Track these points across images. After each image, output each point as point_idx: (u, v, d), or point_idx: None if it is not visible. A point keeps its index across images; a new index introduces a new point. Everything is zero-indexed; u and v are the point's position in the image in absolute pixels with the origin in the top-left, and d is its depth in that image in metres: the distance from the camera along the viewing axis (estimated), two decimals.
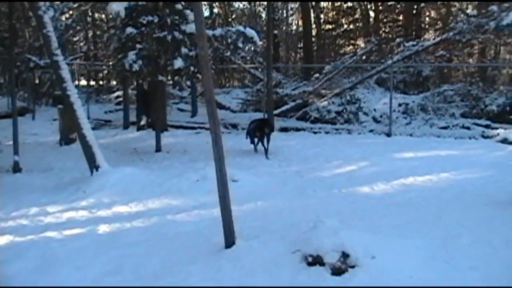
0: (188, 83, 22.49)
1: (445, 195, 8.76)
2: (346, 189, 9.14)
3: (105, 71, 34.02)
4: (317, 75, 21.38)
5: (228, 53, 12.22)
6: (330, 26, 34.62)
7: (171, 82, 12.91)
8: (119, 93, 25.70)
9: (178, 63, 11.36)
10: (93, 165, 9.24)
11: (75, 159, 11.63)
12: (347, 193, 8.88)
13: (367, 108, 19.03)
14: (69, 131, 13.60)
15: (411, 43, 20.51)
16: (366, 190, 9.13)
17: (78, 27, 32.83)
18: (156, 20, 11.58)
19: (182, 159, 12.18)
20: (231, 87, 25.07)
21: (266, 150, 12.62)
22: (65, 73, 9.09)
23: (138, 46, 11.51)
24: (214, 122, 5.61)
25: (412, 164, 11.43)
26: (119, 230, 6.80)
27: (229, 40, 11.91)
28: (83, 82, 33.39)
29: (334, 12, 35.30)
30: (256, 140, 13.02)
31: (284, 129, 17.68)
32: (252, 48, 24.02)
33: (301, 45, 38.08)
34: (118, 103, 24.79)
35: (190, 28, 11.51)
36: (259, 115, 18.79)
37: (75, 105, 9.12)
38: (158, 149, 13.07)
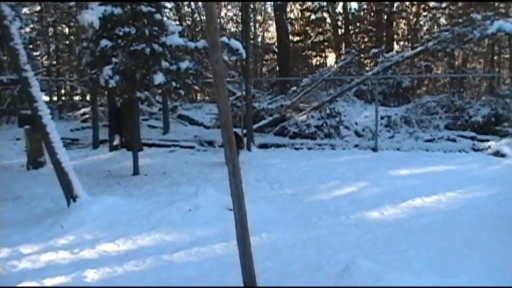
0: (158, 98, 21.73)
1: (462, 217, 8.07)
2: (354, 215, 8.27)
3: (68, 87, 32.76)
4: (294, 88, 20.51)
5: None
6: (298, 38, 33.96)
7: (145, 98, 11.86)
8: (86, 109, 24.49)
9: (159, 78, 10.36)
10: (70, 195, 8.16)
11: (46, 185, 10.56)
12: (357, 220, 8.00)
13: (348, 121, 18.31)
14: (38, 154, 12.42)
15: (390, 53, 19.85)
16: (376, 215, 8.28)
17: (38, 42, 31.59)
18: (133, 31, 10.57)
19: (163, 183, 11.16)
20: (202, 101, 24.06)
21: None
22: (36, 90, 8.02)
23: (114, 60, 10.48)
24: (231, 151, 4.67)
25: (413, 183, 10.70)
26: (111, 276, 5.74)
27: None
28: (45, 98, 32.18)
29: (302, 23, 34.68)
30: None
31: (263, 146, 16.81)
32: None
33: (268, 57, 37.64)
34: (84, 121, 23.64)
35: (171, 40, 10.57)
36: (235, 131, 17.94)
37: (48, 127, 8.05)
38: (135, 171, 12.01)
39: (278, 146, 16.87)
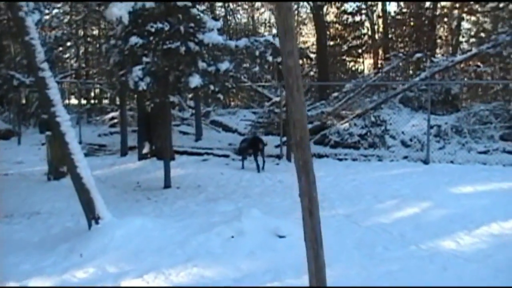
0: (190, 102, 20.57)
1: None
2: (425, 245, 6.93)
3: (97, 90, 31.91)
4: (335, 94, 19.18)
5: (256, 68, 9.84)
6: (334, 42, 32.60)
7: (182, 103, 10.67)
8: (114, 114, 23.46)
9: (195, 80, 9.14)
10: (91, 216, 6.96)
11: (66, 198, 9.40)
12: (430, 252, 6.67)
13: (394, 130, 16.90)
14: (59, 163, 11.21)
15: (439, 58, 18.43)
16: (451, 245, 6.93)
17: (69, 43, 30.85)
18: (166, 28, 9.36)
19: (198, 198, 9.95)
20: (237, 107, 22.84)
21: (258, 166, 13.30)
22: (54, 93, 6.85)
23: (144, 59, 9.30)
24: (308, 180, 3.43)
25: (481, 203, 9.28)
26: None
27: (256, 53, 9.69)
28: (74, 101, 31.41)
29: (338, 27, 33.36)
30: (247, 156, 13.86)
31: None
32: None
33: (302, 61, 36.32)
34: (113, 125, 22.62)
35: (209, 37, 9.36)
36: (272, 139, 16.78)
37: (67, 136, 6.87)
38: (167, 184, 10.82)
39: (320, 156, 15.59)
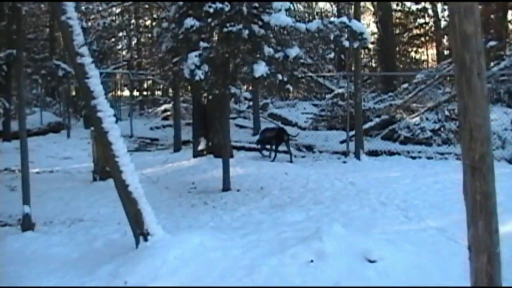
0: (247, 94, 19.31)
1: None
2: None
3: (150, 81, 31.02)
4: (405, 85, 17.63)
5: (332, 55, 8.49)
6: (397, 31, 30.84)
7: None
8: (167, 106, 22.41)
9: (261, 69, 7.82)
10: (139, 231, 5.75)
11: (113, 203, 8.20)
12: None
13: None
14: (106, 162, 10.08)
15: None
16: None
17: (120, 34, 30.10)
18: (227, 8, 8.08)
19: (261, 204, 8.68)
20: (296, 99, 21.45)
21: (275, 156, 13.61)
22: (95, 83, 5.66)
23: (202, 45, 8.05)
24: (489, 228, 2.13)
25: None
26: None
27: (331, 36, 8.33)
28: (126, 93, 30.74)
29: (400, 15, 31.59)
30: (268, 147, 13.90)
31: (373, 153, 14.10)
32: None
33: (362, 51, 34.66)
34: (166, 118, 21.59)
35: (276, 19, 8.04)
36: (336, 134, 15.39)
37: (110, 135, 5.68)
38: (226, 187, 9.58)
39: (391, 153, 14.16)
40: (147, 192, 9.14)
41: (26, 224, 7.10)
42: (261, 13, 8.27)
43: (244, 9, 8.16)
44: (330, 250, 5.45)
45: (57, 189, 9.85)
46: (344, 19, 8.50)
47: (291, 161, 13.27)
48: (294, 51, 8.11)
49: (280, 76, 8.08)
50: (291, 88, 8.41)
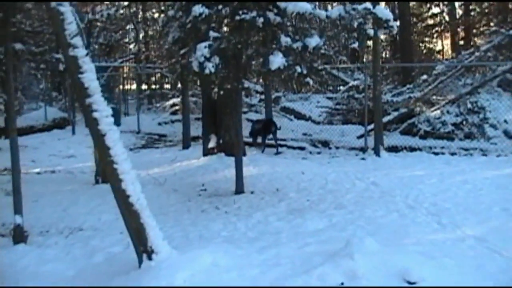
0: (258, 87, 18.52)
1: None
2: None
3: (158, 75, 30.28)
4: (424, 76, 16.76)
5: (355, 44, 7.69)
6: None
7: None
8: (176, 100, 21.68)
9: (277, 60, 7.02)
10: (142, 248, 4.99)
11: (115, 209, 7.24)
12: None
13: (495, 119, 14.46)
14: (104, 168, 9.35)
15: None
16: None
17: (128, 27, 29.45)
18: None
19: (278, 209, 7.91)
20: (308, 92, 20.58)
21: (264, 148, 13.83)
22: (90, 78, 4.89)
23: (212, 34, 7.27)
24: None
25: None
26: None
27: (355, 24, 7.52)
28: (133, 87, 30.17)
29: (414, 4, 30.63)
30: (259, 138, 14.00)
31: (393, 148, 13.32)
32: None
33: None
34: (174, 113, 20.90)
35: (294, 5, 7.24)
36: (353, 128, 14.71)
37: (108, 138, 4.91)
38: (239, 189, 8.82)
39: (412, 149, 13.38)
40: (153, 195, 8.50)
41: (18, 236, 6.36)
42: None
43: None
44: (363, 270, 4.70)
45: (55, 192, 9.12)
46: (368, 4, 7.68)
47: (277, 153, 13.56)
48: (314, 41, 7.29)
49: (299, 69, 7.28)
50: (311, 82, 7.60)
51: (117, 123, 9.84)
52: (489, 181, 9.62)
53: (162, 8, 24.53)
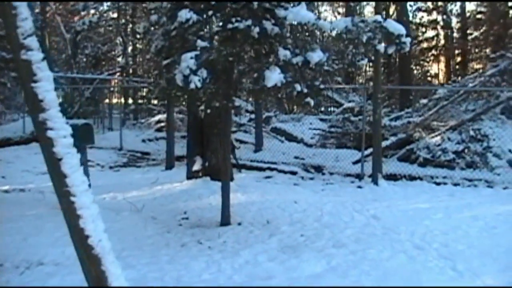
0: (249, 106, 17.63)
1: None
2: None
3: (145, 89, 29.48)
4: (424, 100, 15.94)
5: (364, 60, 6.79)
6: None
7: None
8: (162, 116, 20.73)
9: (274, 76, 6.08)
10: None
11: None
12: None
13: (499, 148, 13.64)
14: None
15: None
16: None
17: (116, 41, 28.78)
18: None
19: (269, 245, 6.93)
20: (300, 113, 19.71)
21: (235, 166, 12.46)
22: (46, 88, 3.91)
23: (200, 43, 6.34)
24: None
25: None
26: None
27: (364, 38, 6.60)
28: (116, 100, 29.45)
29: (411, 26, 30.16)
30: None
31: (391, 177, 12.43)
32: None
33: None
34: (159, 129, 19.95)
35: (295, 14, 6.33)
36: (348, 153, 13.92)
37: (64, 163, 3.93)
38: (225, 221, 7.81)
39: (412, 178, 12.50)
40: (128, 224, 7.52)
41: None
42: (276, 7, 6.55)
43: (255, 2, 6.47)
44: None
45: (18, 217, 8.06)
46: (378, 17, 6.78)
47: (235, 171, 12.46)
48: (316, 56, 6.35)
49: (298, 87, 6.35)
50: (312, 102, 6.66)
51: (90, 141, 8.95)
52: (502, 218, 8.75)
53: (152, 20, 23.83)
